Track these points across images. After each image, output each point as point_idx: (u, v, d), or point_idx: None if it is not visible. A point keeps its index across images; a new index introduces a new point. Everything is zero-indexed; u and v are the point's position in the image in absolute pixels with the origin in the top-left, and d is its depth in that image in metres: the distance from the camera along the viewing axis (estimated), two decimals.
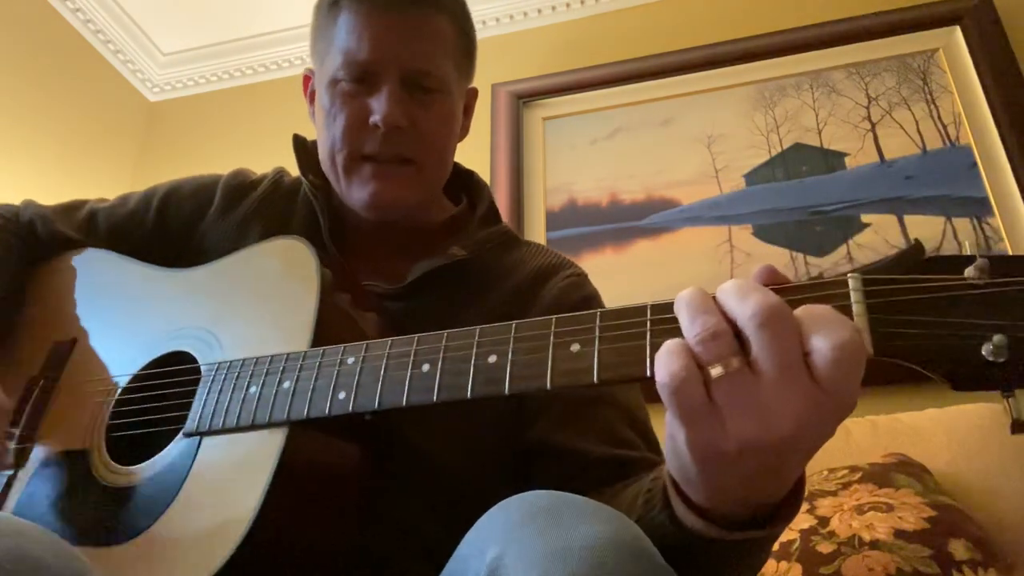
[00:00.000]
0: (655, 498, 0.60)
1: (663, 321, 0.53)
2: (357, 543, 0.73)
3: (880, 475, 1.28)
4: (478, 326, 0.63)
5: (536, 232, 2.13)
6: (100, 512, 0.75)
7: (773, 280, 0.52)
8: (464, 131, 1.00)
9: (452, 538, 0.78)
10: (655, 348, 0.51)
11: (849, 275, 0.50)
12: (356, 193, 0.90)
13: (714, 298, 0.49)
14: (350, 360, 0.68)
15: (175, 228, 1.00)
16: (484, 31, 2.49)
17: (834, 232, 1.92)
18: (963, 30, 2.01)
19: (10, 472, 0.83)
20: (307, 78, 1.00)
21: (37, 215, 1.02)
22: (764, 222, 1.99)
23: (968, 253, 0.48)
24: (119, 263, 0.97)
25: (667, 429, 0.53)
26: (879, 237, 1.88)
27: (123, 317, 0.91)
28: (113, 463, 0.79)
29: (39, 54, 2.39)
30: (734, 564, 0.59)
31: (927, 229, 1.85)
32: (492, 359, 0.60)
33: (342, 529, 0.72)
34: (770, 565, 1.18)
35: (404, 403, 0.63)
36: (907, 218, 1.88)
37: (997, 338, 0.45)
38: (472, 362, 0.61)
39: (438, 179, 0.97)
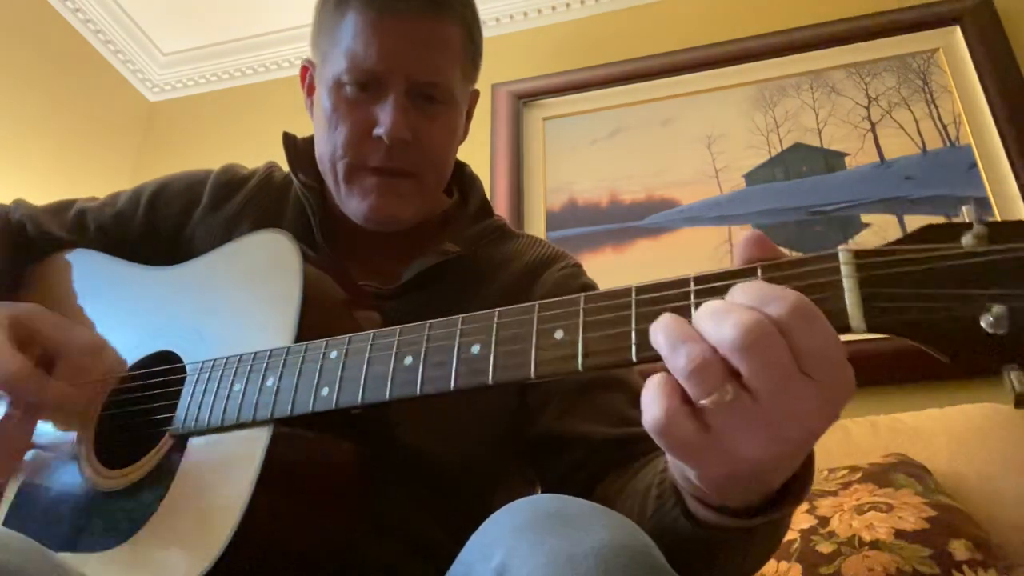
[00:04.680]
0: (666, 494, 0.60)
1: (649, 302, 0.51)
2: (349, 543, 0.72)
3: (880, 475, 1.28)
4: (460, 315, 0.61)
5: (536, 232, 2.13)
6: (90, 516, 0.74)
7: (761, 254, 0.50)
8: (464, 133, 0.99)
9: (448, 537, 0.77)
10: (640, 333, 0.50)
11: (840, 248, 0.47)
12: (355, 204, 0.88)
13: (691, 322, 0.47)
14: (333, 355, 0.66)
15: (164, 226, 0.98)
16: (484, 31, 2.48)
17: (834, 232, 1.92)
18: (963, 30, 2.01)
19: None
20: (305, 69, 0.97)
21: (27, 216, 1.01)
22: (764, 222, 1.99)
23: (966, 220, 0.45)
24: (106, 263, 0.96)
25: (671, 461, 0.52)
26: (879, 237, 1.88)
27: (110, 317, 0.90)
28: (101, 466, 0.78)
29: (39, 54, 2.39)
30: (756, 545, 0.59)
31: None
32: (475, 349, 0.58)
33: (333, 528, 0.71)
34: (770, 565, 1.17)
35: (388, 397, 0.62)
36: (907, 218, 1.88)
37: (996, 309, 0.42)
38: (455, 353, 0.59)
39: (436, 191, 0.95)
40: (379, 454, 0.74)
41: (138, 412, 0.80)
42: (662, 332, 0.46)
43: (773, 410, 0.43)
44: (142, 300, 0.89)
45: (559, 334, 0.54)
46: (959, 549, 1.11)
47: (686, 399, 0.45)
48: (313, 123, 0.95)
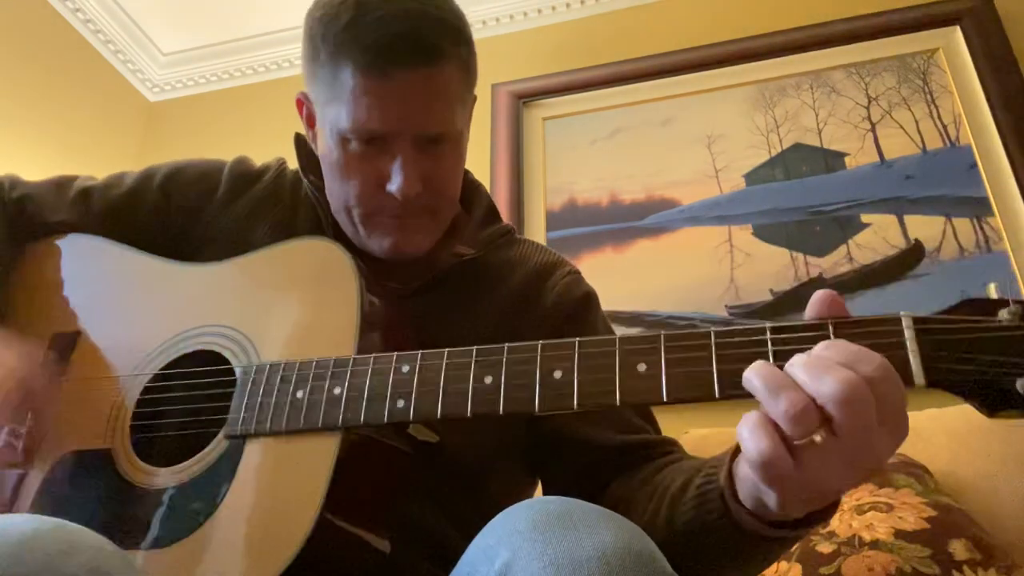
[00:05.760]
0: (711, 503, 0.64)
1: (727, 346, 0.58)
2: (381, 543, 0.73)
3: (880, 475, 1.28)
4: (540, 341, 0.64)
5: (536, 232, 2.13)
6: (137, 515, 0.74)
7: (831, 311, 0.57)
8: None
9: (456, 535, 0.78)
10: (722, 374, 0.57)
11: (902, 314, 0.56)
12: (376, 243, 0.89)
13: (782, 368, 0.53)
14: (404, 368, 0.68)
15: (178, 212, 0.97)
16: (484, 31, 2.49)
17: (834, 232, 1.92)
18: (963, 30, 2.01)
19: (20, 471, 0.81)
20: (300, 103, 0.93)
21: (26, 196, 0.98)
22: (764, 222, 1.99)
23: (998, 296, 0.55)
24: (120, 252, 0.94)
25: (749, 485, 0.59)
26: (879, 237, 1.88)
27: (132, 311, 0.89)
28: (143, 464, 0.77)
29: (39, 54, 2.39)
30: (777, 552, 0.66)
31: (927, 229, 1.85)
32: (558, 375, 0.62)
33: (380, 528, 0.72)
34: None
35: (468, 413, 0.65)
36: (907, 218, 1.88)
37: None
38: (537, 377, 0.63)
39: (451, 216, 0.95)
40: (422, 459, 0.76)
41: (178, 412, 0.80)
42: (759, 378, 0.52)
43: (855, 452, 0.51)
44: (171, 296, 0.88)
45: (642, 367, 0.60)
46: (959, 549, 1.11)
47: (783, 437, 0.52)
48: (319, 156, 0.92)
